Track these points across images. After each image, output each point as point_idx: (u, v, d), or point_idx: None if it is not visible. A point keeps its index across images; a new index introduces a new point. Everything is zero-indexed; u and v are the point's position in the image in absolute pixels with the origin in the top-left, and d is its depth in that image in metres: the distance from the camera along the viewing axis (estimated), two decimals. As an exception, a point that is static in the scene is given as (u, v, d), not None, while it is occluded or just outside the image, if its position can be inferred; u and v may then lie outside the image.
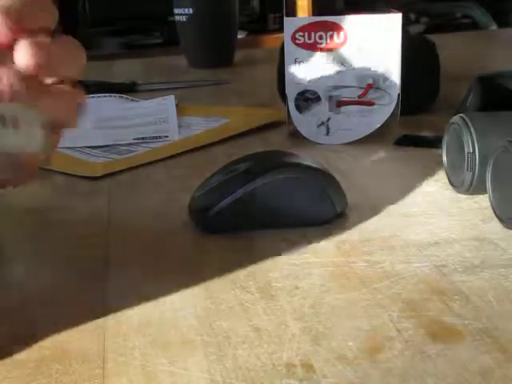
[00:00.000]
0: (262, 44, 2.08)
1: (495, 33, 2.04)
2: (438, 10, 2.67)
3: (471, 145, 0.49)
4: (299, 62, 0.66)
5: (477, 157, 0.49)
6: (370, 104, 0.66)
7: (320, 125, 0.68)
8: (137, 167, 0.63)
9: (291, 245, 0.45)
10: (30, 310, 0.39)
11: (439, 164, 0.56)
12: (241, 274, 0.41)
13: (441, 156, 0.55)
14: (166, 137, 0.72)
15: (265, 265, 0.43)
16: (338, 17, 0.65)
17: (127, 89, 0.99)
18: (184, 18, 1.13)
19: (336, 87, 0.66)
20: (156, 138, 0.72)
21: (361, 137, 0.67)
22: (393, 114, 0.66)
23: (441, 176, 0.55)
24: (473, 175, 0.49)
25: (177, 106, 0.84)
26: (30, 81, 0.37)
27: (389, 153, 0.64)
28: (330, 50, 0.65)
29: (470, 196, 0.51)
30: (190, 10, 1.12)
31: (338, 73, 0.66)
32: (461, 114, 0.51)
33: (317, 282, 0.40)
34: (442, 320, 0.35)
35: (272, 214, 0.47)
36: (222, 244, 0.46)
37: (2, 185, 0.46)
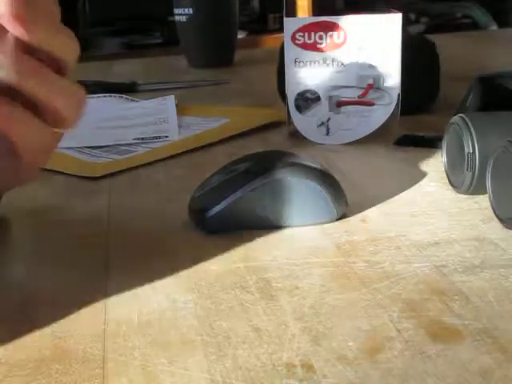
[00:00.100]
0: (262, 44, 2.08)
1: (495, 33, 2.04)
2: (438, 10, 2.67)
3: (471, 145, 0.49)
4: (299, 62, 0.66)
5: (477, 157, 0.49)
6: (370, 104, 0.66)
7: (320, 125, 0.68)
8: (137, 167, 0.63)
9: (291, 245, 0.45)
10: (29, 309, 0.39)
11: (439, 164, 0.56)
12: (241, 274, 0.41)
13: (441, 156, 0.55)
14: (166, 137, 0.72)
15: (265, 265, 0.43)
16: (337, 17, 0.65)
17: (127, 89, 0.99)
18: (184, 18, 1.14)
19: (336, 87, 0.66)
20: (156, 137, 0.72)
21: (361, 137, 0.67)
22: (393, 114, 0.66)
23: (441, 176, 0.55)
24: (473, 175, 0.49)
25: (177, 106, 0.84)
26: (20, 57, 0.37)
27: (389, 153, 0.64)
28: (329, 50, 0.65)
29: (470, 196, 0.51)
30: (190, 10, 1.12)
31: (338, 73, 0.66)
32: (461, 114, 0.51)
33: (317, 281, 0.40)
34: (442, 320, 0.35)
35: (272, 213, 0.47)
36: (221, 244, 0.46)
37: (5, 185, 0.46)
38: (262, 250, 0.45)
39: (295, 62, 0.66)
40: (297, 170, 0.47)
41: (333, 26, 0.65)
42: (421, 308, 0.37)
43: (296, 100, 0.68)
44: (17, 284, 0.42)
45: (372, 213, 0.50)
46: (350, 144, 0.67)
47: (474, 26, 2.54)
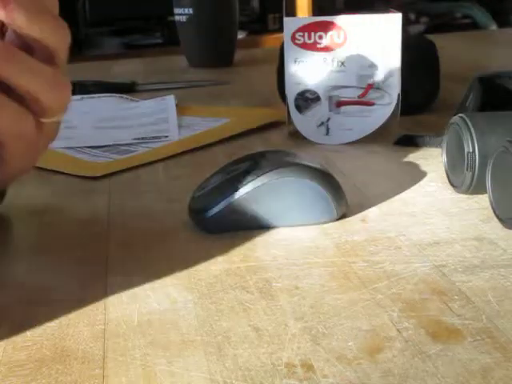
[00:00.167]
0: (262, 44, 2.08)
1: (495, 33, 2.04)
2: (438, 10, 2.67)
3: (471, 145, 0.49)
4: (299, 62, 0.66)
5: (477, 157, 0.49)
6: (370, 104, 0.66)
7: (320, 125, 0.68)
8: (137, 167, 0.63)
9: (291, 245, 0.45)
10: (30, 309, 0.39)
11: (439, 164, 0.56)
12: (241, 274, 0.41)
13: (441, 156, 0.55)
14: (166, 137, 0.72)
15: (265, 265, 0.43)
16: (337, 17, 0.65)
17: (127, 89, 0.99)
18: (184, 18, 1.14)
19: (336, 87, 0.66)
20: (156, 137, 0.72)
21: (361, 137, 0.67)
22: (393, 114, 0.66)
23: (441, 176, 0.55)
24: (473, 175, 0.49)
25: (177, 105, 0.84)
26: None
27: (389, 153, 0.64)
28: (329, 50, 0.65)
29: (470, 196, 0.51)
30: (190, 10, 1.12)
31: (338, 73, 0.66)
32: (461, 114, 0.51)
33: (317, 281, 0.40)
34: (442, 320, 0.35)
35: (272, 214, 0.47)
36: (221, 244, 0.46)
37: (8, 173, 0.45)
38: (262, 250, 0.45)
39: (295, 61, 0.66)
40: (297, 169, 0.47)
41: (333, 26, 0.65)
42: (421, 308, 0.37)
43: (296, 100, 0.68)
44: (17, 284, 0.42)
45: (372, 213, 0.50)
46: (350, 144, 0.67)
47: (474, 26, 2.54)
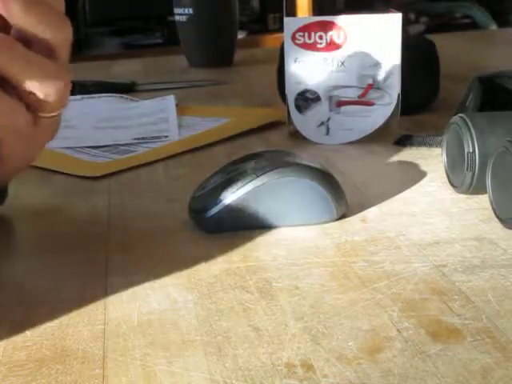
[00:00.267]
0: (262, 44, 2.08)
1: (495, 33, 2.04)
2: (438, 10, 2.67)
3: (471, 145, 0.49)
4: (299, 62, 0.66)
5: (477, 157, 0.49)
6: (370, 104, 0.66)
7: (320, 125, 0.68)
8: (137, 167, 0.63)
9: (291, 245, 0.45)
10: (29, 309, 0.39)
11: (439, 164, 0.56)
12: (241, 274, 0.41)
13: (441, 156, 0.55)
14: (166, 137, 0.72)
15: (265, 265, 0.43)
16: (337, 17, 0.65)
17: (127, 89, 0.99)
18: (184, 18, 1.13)
19: (336, 87, 0.66)
20: (156, 137, 0.72)
21: (361, 137, 0.67)
22: (393, 114, 0.66)
23: (441, 176, 0.55)
24: (473, 175, 0.49)
25: (177, 105, 0.84)
26: None
27: (389, 153, 0.64)
28: (329, 50, 0.65)
29: (470, 196, 0.51)
30: (190, 10, 1.12)
31: (338, 73, 0.66)
32: (461, 114, 0.51)
33: (317, 281, 0.40)
34: (442, 320, 0.35)
35: (271, 213, 0.47)
36: (221, 244, 0.46)
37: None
38: (262, 249, 0.45)
39: (295, 61, 0.66)
40: (297, 169, 0.47)
41: (333, 26, 0.65)
42: (421, 308, 0.37)
43: (296, 100, 0.68)
44: (17, 284, 0.42)
45: (372, 213, 0.50)
46: (350, 144, 0.67)
47: (474, 25, 2.54)
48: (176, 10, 1.15)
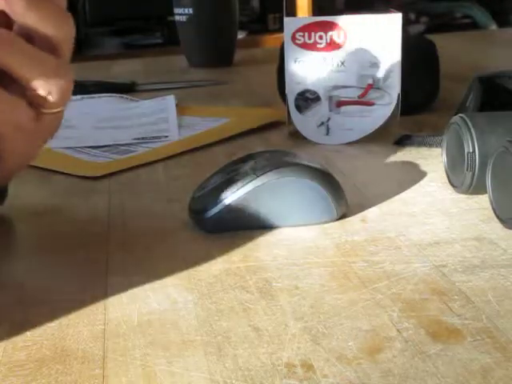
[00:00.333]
0: (262, 44, 2.08)
1: (495, 33, 2.04)
2: (438, 10, 2.67)
3: (471, 145, 0.49)
4: (299, 62, 0.66)
5: (477, 157, 0.49)
6: (370, 104, 0.66)
7: (320, 125, 0.68)
8: (137, 167, 0.63)
9: (291, 245, 0.45)
10: (30, 309, 0.39)
11: (439, 164, 0.56)
12: (241, 274, 0.41)
13: (441, 156, 0.55)
14: (166, 137, 0.72)
15: (265, 265, 0.43)
16: (337, 17, 0.65)
17: (127, 89, 0.99)
18: (184, 18, 1.13)
19: (336, 87, 0.66)
20: (156, 137, 0.72)
21: (361, 137, 0.67)
22: (393, 114, 0.66)
23: (441, 176, 0.55)
24: (473, 175, 0.49)
25: (177, 105, 0.84)
26: None
27: (389, 153, 0.64)
28: (329, 50, 0.65)
29: (470, 196, 0.51)
30: (190, 10, 1.12)
31: (338, 73, 0.66)
32: (461, 114, 0.51)
33: (317, 281, 0.40)
34: (442, 320, 0.35)
35: (272, 213, 0.47)
36: (221, 244, 0.46)
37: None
38: (262, 250, 0.45)
39: (295, 61, 0.66)
40: (297, 169, 0.47)
41: (333, 26, 0.65)
42: (421, 308, 0.37)
43: (296, 100, 0.68)
44: (17, 284, 0.42)
45: (372, 213, 0.50)
46: (350, 144, 0.67)
47: (474, 25, 2.54)
48: (176, 10, 1.15)
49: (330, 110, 0.67)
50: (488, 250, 0.43)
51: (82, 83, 0.97)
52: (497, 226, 0.46)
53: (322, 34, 0.65)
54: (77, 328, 0.36)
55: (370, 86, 0.66)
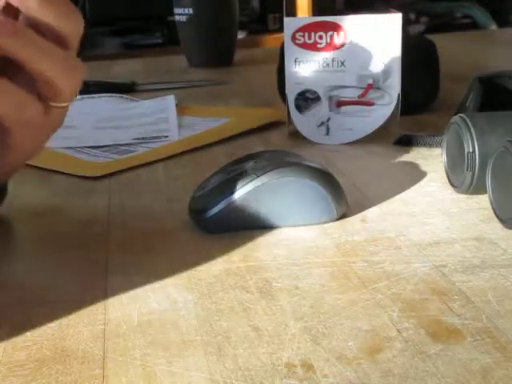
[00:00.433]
0: (262, 44, 2.08)
1: (495, 33, 2.04)
2: (438, 10, 2.67)
3: (471, 145, 0.49)
4: (299, 62, 0.66)
5: (477, 157, 0.49)
6: (370, 104, 0.66)
7: (320, 125, 0.68)
8: (137, 167, 0.63)
9: (291, 245, 0.45)
10: (29, 309, 0.39)
11: (439, 164, 0.56)
12: (241, 274, 0.41)
13: (441, 156, 0.55)
14: (166, 137, 0.72)
15: (265, 265, 0.43)
16: (338, 17, 0.65)
17: (127, 89, 0.99)
18: (184, 18, 1.14)
19: (336, 87, 0.66)
20: (156, 137, 0.72)
21: (361, 137, 0.67)
22: (393, 114, 0.66)
23: (441, 176, 0.55)
24: (473, 175, 0.49)
25: (177, 105, 0.84)
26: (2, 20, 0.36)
27: (389, 153, 0.64)
28: (329, 50, 0.65)
29: (470, 196, 0.51)
30: (190, 10, 1.12)
31: (338, 73, 0.66)
32: (461, 114, 0.51)
33: (317, 281, 0.40)
34: (442, 320, 0.35)
35: (272, 213, 0.47)
36: (221, 244, 0.46)
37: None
38: (262, 249, 0.45)
39: (295, 61, 0.66)
40: (297, 169, 0.47)
41: (333, 26, 0.65)
42: (421, 308, 0.37)
43: (296, 100, 0.68)
44: (17, 284, 0.42)
45: (372, 213, 0.50)
46: (350, 144, 0.67)
47: (474, 25, 2.54)
48: (176, 10, 1.15)
49: (330, 110, 0.67)
50: (488, 249, 0.43)
51: (82, 83, 0.96)
52: (497, 225, 0.46)
53: (322, 33, 0.65)
54: (77, 328, 0.36)
55: (370, 86, 0.66)
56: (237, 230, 0.47)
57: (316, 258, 0.43)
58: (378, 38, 0.64)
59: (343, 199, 0.49)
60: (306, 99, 0.67)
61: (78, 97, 0.91)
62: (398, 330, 0.35)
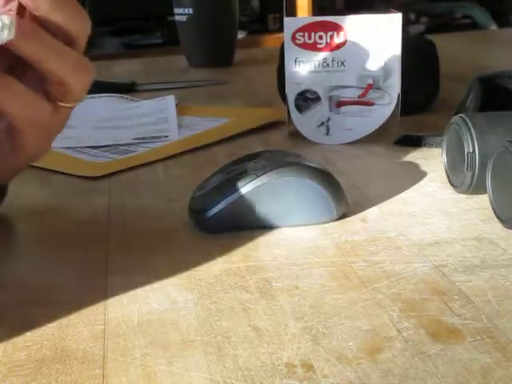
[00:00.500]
0: (262, 44, 2.08)
1: (495, 33, 2.04)
2: (438, 10, 2.67)
3: (471, 145, 0.49)
4: (299, 62, 0.66)
5: (477, 157, 0.49)
6: (370, 104, 0.66)
7: (320, 125, 0.68)
8: (137, 167, 0.63)
9: (291, 245, 0.45)
10: (29, 309, 0.39)
11: (439, 164, 0.56)
12: (241, 274, 0.41)
13: (441, 156, 0.55)
14: (166, 137, 0.72)
15: (265, 265, 0.43)
16: (338, 17, 0.65)
17: (127, 89, 0.99)
18: (184, 18, 1.13)
19: (336, 87, 0.66)
20: (156, 137, 0.72)
21: (361, 137, 0.67)
22: (393, 114, 0.66)
23: (441, 176, 0.55)
24: (473, 175, 0.49)
25: (177, 105, 0.84)
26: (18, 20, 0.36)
27: (389, 153, 0.64)
28: (329, 50, 0.65)
29: (470, 196, 0.51)
30: (190, 10, 1.12)
31: (338, 73, 0.66)
32: (461, 114, 0.51)
33: (317, 281, 0.40)
34: (442, 320, 0.35)
35: (272, 214, 0.47)
36: (221, 244, 0.46)
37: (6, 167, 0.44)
38: (262, 249, 0.45)
39: (295, 61, 0.66)
40: (297, 169, 0.47)
41: (333, 26, 0.65)
42: (421, 308, 0.37)
43: (296, 100, 0.68)
44: (17, 284, 0.42)
45: (372, 213, 0.50)
46: (350, 144, 0.67)
47: (474, 26, 2.54)
48: (176, 10, 1.15)
49: (330, 110, 0.67)
50: (488, 250, 0.43)
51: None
52: (497, 225, 0.46)
53: (322, 34, 0.65)
54: (77, 328, 0.36)
55: (370, 86, 0.66)
56: (237, 230, 0.47)
57: (316, 257, 0.43)
58: (378, 38, 0.64)
59: (343, 199, 0.49)
60: (306, 99, 0.67)
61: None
62: (398, 330, 0.35)
